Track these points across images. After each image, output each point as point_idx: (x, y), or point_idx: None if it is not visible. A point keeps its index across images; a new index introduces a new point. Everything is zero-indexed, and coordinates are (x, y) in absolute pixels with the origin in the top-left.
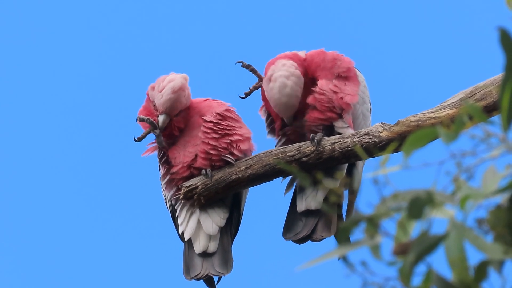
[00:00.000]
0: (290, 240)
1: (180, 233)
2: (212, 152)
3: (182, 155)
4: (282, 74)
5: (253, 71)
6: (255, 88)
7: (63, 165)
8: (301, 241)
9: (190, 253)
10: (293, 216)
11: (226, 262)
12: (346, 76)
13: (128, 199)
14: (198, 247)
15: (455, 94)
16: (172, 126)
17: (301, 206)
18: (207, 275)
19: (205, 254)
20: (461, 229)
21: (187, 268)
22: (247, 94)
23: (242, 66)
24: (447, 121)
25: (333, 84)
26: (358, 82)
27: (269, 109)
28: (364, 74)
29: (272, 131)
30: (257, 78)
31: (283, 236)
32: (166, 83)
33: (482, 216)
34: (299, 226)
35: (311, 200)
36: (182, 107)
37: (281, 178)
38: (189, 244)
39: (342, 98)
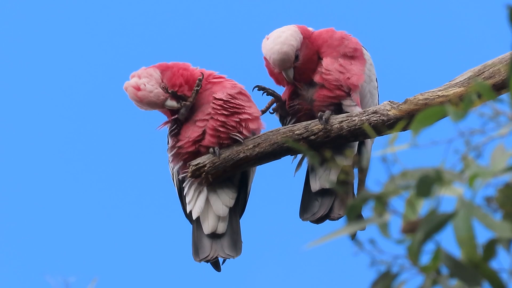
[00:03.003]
0: (308, 221)
1: (187, 211)
2: (220, 129)
3: (191, 130)
4: (279, 30)
5: (272, 94)
6: (272, 104)
7: (70, 153)
8: (318, 221)
9: (199, 234)
10: (308, 196)
11: (236, 244)
12: (352, 55)
13: (136, 179)
14: (207, 227)
15: (463, 73)
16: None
17: (315, 186)
18: (216, 257)
19: (214, 235)
20: (470, 207)
21: (196, 249)
22: (263, 111)
23: (259, 90)
24: (455, 100)
25: (338, 64)
26: (364, 60)
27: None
28: (372, 53)
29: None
30: (274, 98)
31: (300, 217)
32: None
33: (490, 194)
34: (315, 206)
35: (325, 180)
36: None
37: (292, 157)
38: (197, 224)
39: (348, 78)
